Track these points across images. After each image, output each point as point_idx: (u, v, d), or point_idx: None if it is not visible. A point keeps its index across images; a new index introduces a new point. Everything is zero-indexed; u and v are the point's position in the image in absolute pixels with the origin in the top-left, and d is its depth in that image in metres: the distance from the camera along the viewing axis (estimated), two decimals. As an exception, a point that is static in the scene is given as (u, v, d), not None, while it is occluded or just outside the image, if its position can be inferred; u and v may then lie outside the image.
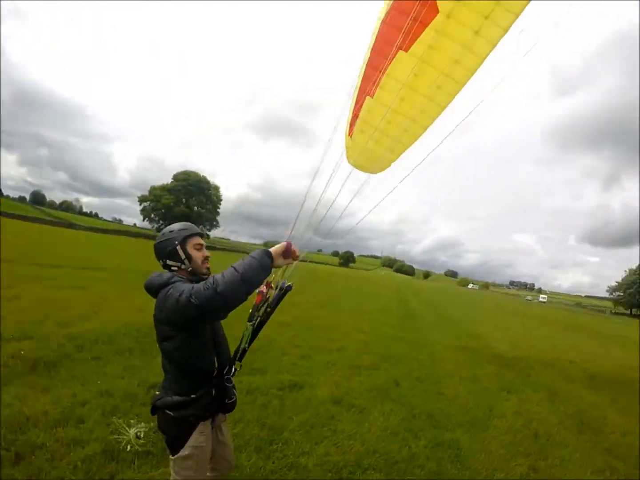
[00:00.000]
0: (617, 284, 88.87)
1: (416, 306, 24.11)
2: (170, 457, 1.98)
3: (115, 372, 4.68)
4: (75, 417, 3.48)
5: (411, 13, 1.99)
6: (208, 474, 2.06)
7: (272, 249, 1.86)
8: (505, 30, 2.16)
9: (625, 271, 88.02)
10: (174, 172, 76.20)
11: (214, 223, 79.85)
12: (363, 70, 2.46)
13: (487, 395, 6.21)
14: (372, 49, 2.33)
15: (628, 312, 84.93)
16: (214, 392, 2.01)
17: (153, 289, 1.90)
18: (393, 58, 2.17)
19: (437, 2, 1.97)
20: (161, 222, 73.51)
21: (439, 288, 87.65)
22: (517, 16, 2.13)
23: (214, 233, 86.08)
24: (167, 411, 1.93)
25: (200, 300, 1.61)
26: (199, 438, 1.97)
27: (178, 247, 2.02)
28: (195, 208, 75.03)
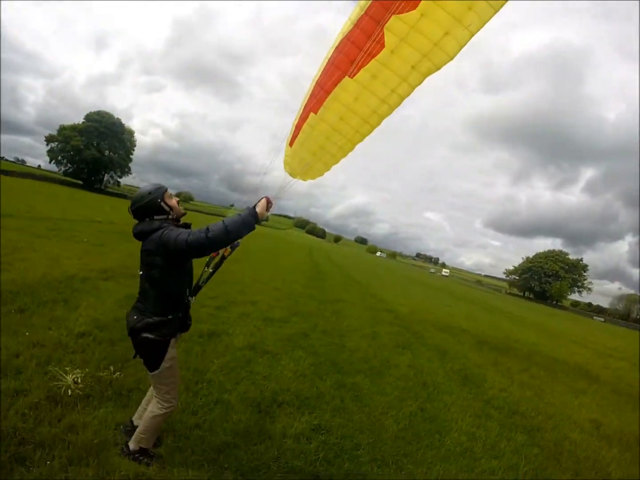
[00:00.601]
0: (513, 268, 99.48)
1: (326, 267, 25.61)
2: (150, 373, 2.60)
3: (42, 323, 4.72)
4: (12, 368, 3.54)
5: (362, 46, 2.46)
6: None
7: (257, 209, 2.42)
8: (438, 68, 2.73)
9: (523, 258, 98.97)
10: (86, 112, 68.11)
11: (126, 170, 73.71)
12: (312, 87, 2.88)
13: (385, 350, 7.24)
14: (322, 71, 2.77)
15: (521, 294, 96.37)
16: (180, 314, 2.64)
17: (144, 234, 2.48)
18: (339, 82, 2.64)
19: (385, 39, 2.46)
20: (69, 165, 65.94)
21: (348, 252, 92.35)
22: (451, 58, 2.70)
23: (124, 180, 79.38)
24: (148, 334, 2.48)
25: (198, 241, 2.25)
26: (172, 351, 2.61)
27: (162, 203, 2.54)
28: (107, 152, 68.34)
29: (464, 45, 2.63)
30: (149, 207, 2.52)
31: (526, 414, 5.65)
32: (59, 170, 67.24)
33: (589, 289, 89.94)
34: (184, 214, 2.70)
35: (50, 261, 7.94)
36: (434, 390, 5.68)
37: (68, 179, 64.51)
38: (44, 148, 64.67)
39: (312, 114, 2.85)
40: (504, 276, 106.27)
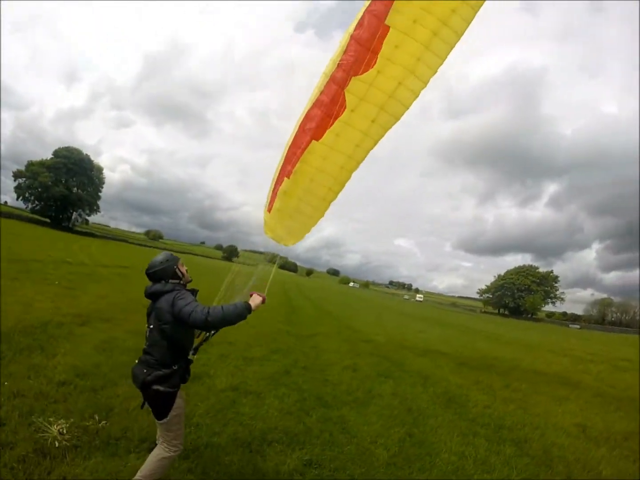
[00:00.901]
0: (486, 287, 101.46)
1: (300, 302, 25.59)
2: (158, 422, 2.80)
3: (20, 371, 4.63)
4: None
5: (329, 111, 2.76)
6: None
7: (252, 305, 2.84)
8: (397, 119, 3.05)
9: (494, 276, 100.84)
10: (55, 147, 66.95)
11: (95, 207, 72.17)
12: (285, 152, 3.14)
13: (367, 380, 7.31)
14: (294, 137, 3.06)
15: (496, 311, 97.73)
16: (184, 366, 2.90)
17: (157, 294, 2.83)
18: (307, 147, 2.91)
19: (346, 101, 2.76)
20: (36, 202, 63.92)
21: (321, 285, 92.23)
22: (407, 107, 3.03)
23: (93, 219, 77.50)
24: (159, 387, 2.70)
25: (197, 320, 2.62)
26: (179, 400, 2.85)
27: (176, 269, 2.96)
28: (75, 189, 66.86)
29: (418, 94, 2.95)
30: (166, 272, 2.91)
31: (512, 427, 5.79)
32: (26, 208, 65.04)
33: (562, 299, 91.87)
34: (191, 281, 3.12)
35: (24, 306, 7.77)
36: (420, 415, 5.79)
37: (35, 216, 62.49)
38: (11, 183, 62.79)
39: (286, 179, 3.09)
40: (477, 296, 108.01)
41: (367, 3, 2.70)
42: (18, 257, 14.84)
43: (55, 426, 3.46)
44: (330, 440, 4.44)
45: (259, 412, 4.90)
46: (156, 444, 2.93)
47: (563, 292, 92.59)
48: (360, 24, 2.70)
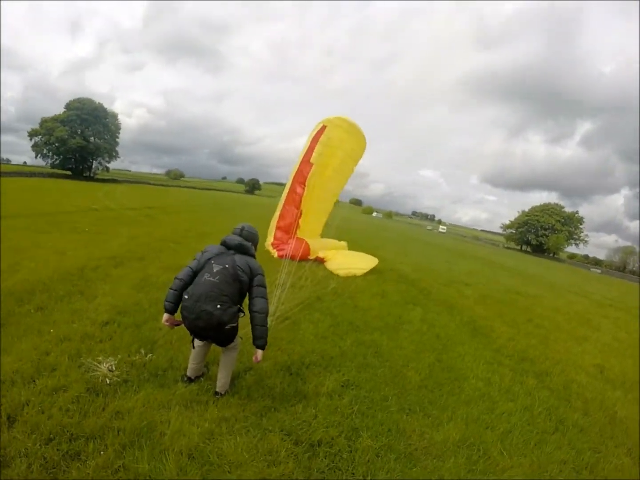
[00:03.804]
0: (510, 222, 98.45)
1: (324, 231, 25.56)
2: (223, 347, 3.47)
3: (64, 318, 4.75)
4: (46, 367, 3.52)
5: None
6: None
7: (262, 353, 3.42)
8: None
9: (518, 212, 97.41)
10: (67, 101, 65.80)
11: (113, 154, 72.25)
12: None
13: (396, 307, 7.55)
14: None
15: (518, 247, 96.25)
16: None
17: (243, 250, 3.44)
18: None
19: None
20: (55, 157, 64.36)
21: (345, 215, 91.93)
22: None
23: (113, 165, 77.82)
24: (232, 324, 3.21)
25: (260, 306, 3.31)
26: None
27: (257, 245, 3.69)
28: (92, 139, 66.65)
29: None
30: (255, 240, 3.66)
31: (534, 360, 6.01)
32: (46, 164, 65.66)
33: (585, 242, 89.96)
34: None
35: (58, 255, 7.94)
36: (448, 342, 6.04)
37: (56, 171, 63.15)
38: (27, 144, 62.78)
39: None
40: (500, 230, 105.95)
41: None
42: (44, 210, 15.09)
43: (104, 364, 3.61)
44: (364, 363, 4.66)
45: (296, 337, 5.14)
46: (218, 392, 3.48)
47: (587, 235, 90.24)
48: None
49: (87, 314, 4.95)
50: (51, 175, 53.12)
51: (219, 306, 3.05)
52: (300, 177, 10.61)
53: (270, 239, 11.15)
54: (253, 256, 3.49)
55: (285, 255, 10.17)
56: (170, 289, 3.30)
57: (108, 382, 3.42)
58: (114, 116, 71.18)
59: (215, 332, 3.18)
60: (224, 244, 3.46)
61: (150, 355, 4.00)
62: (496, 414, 4.01)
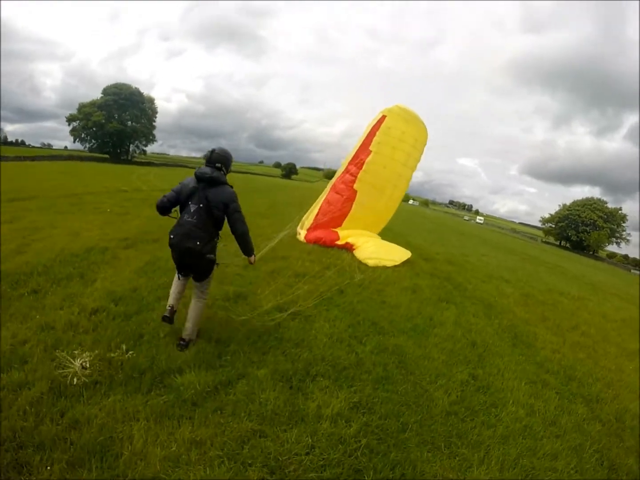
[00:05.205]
0: (549, 215, 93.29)
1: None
2: (197, 282, 3.86)
3: (54, 303, 4.37)
4: (18, 359, 3.20)
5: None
6: None
7: (254, 258, 4.05)
8: None
9: (559, 205, 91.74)
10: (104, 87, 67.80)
11: (151, 137, 73.94)
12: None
13: (428, 305, 6.58)
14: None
15: (557, 243, 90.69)
16: None
17: (215, 182, 3.61)
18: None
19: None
20: (93, 141, 66.68)
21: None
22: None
23: (151, 148, 79.68)
24: (211, 255, 3.64)
25: (239, 228, 3.72)
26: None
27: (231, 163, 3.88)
28: (130, 123, 68.49)
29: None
30: (229, 161, 3.82)
31: (583, 380, 4.97)
32: (84, 148, 68.15)
33: (627, 240, 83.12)
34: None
35: (71, 236, 7.66)
36: (485, 352, 5.07)
37: (95, 154, 65.37)
38: (67, 129, 65.49)
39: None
40: (539, 224, 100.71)
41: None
42: (71, 192, 15.02)
43: (78, 360, 3.19)
44: (383, 377, 3.84)
45: (306, 338, 4.37)
46: (183, 339, 3.73)
47: (629, 234, 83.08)
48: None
49: (80, 300, 4.54)
50: (90, 159, 54.83)
51: (198, 243, 3.50)
52: (357, 159, 9.90)
53: (309, 222, 10.42)
54: (225, 183, 3.68)
55: (312, 240, 9.49)
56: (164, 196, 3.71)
57: (75, 382, 2.98)
58: (151, 100, 72.85)
59: (197, 260, 3.61)
60: (196, 176, 3.63)
61: (131, 352, 3.47)
62: (538, 457, 3.14)
